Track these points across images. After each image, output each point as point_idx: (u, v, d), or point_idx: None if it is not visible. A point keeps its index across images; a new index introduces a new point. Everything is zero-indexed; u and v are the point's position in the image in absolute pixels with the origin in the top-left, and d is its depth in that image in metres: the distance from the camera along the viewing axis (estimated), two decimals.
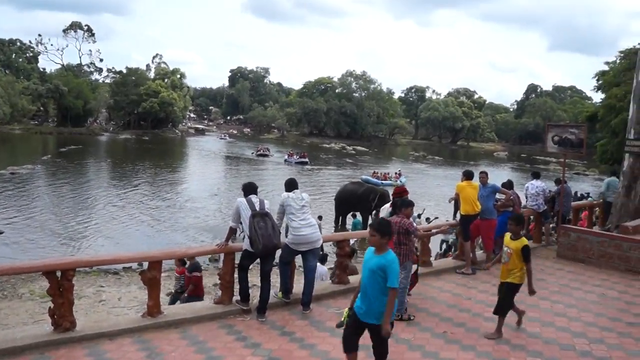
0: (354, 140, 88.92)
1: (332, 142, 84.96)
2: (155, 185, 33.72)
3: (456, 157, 77.33)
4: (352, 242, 10.59)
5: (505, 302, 5.48)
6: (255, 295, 6.21)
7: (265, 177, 39.26)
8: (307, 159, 52.56)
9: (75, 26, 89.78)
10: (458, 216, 9.18)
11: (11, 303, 11.72)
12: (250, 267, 6.14)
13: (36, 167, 37.81)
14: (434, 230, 8.28)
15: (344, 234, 10.96)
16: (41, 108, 78.48)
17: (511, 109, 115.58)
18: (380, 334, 3.97)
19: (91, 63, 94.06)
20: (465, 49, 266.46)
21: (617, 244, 8.67)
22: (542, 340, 5.46)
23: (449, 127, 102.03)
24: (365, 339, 4.15)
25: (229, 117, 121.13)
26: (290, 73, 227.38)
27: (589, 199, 21.01)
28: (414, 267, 6.46)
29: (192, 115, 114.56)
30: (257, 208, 5.82)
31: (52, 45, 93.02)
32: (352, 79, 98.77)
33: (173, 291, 10.36)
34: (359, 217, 20.71)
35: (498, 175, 33.23)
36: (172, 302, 9.64)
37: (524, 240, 5.43)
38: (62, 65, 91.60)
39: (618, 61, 25.66)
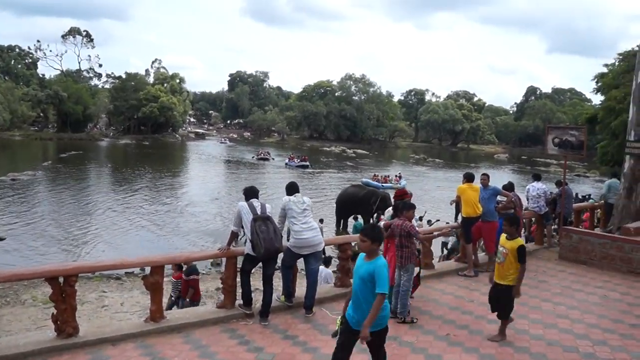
0: (354, 143, 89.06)
1: (332, 145, 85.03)
2: (155, 190, 33.74)
3: (456, 160, 77.41)
4: (354, 244, 10.58)
5: (507, 305, 5.46)
6: (257, 299, 6.21)
7: (266, 181, 39.29)
8: (308, 163, 52.68)
9: (74, 32, 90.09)
10: (459, 218, 9.18)
11: (14, 309, 11.73)
12: (253, 271, 6.14)
13: (37, 173, 37.85)
14: (435, 233, 8.30)
15: (346, 237, 10.95)
16: (41, 114, 78.57)
17: (511, 111, 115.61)
18: (374, 341, 3.90)
19: (90, 68, 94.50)
20: (464, 52, 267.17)
21: (619, 245, 8.67)
22: (545, 342, 5.45)
23: (448, 130, 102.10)
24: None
25: (228, 121, 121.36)
26: (290, 77, 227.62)
27: (590, 200, 21.03)
28: (416, 269, 6.46)
29: (192, 119, 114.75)
30: (259, 212, 5.84)
31: (51, 51, 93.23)
32: (352, 82, 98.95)
33: (174, 298, 10.28)
34: (360, 220, 20.73)
35: (499, 178, 33.25)
36: (169, 307, 9.58)
37: (520, 241, 5.42)
38: (62, 71, 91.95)
39: (617, 63, 25.66)
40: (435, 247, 12.20)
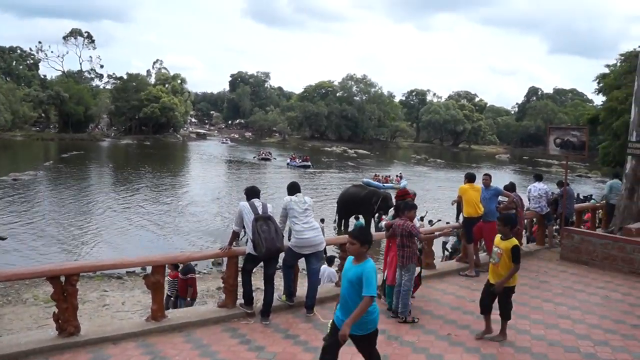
0: (355, 143, 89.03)
1: (333, 145, 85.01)
2: (156, 190, 33.76)
3: (458, 160, 77.34)
4: None
5: (507, 305, 5.44)
6: (259, 298, 6.22)
7: (268, 181, 39.30)
8: (309, 163, 52.71)
9: (75, 33, 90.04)
10: (461, 218, 9.17)
11: (15, 308, 11.74)
12: (254, 270, 6.14)
13: (38, 173, 37.87)
14: (436, 233, 8.29)
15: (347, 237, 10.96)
16: (42, 114, 78.60)
17: (512, 112, 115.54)
18: (365, 345, 3.87)
19: (92, 69, 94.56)
20: (465, 53, 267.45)
21: (620, 246, 8.66)
22: (546, 342, 5.45)
23: (450, 130, 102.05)
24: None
25: (230, 122, 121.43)
26: (291, 77, 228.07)
27: (592, 201, 20.98)
28: (417, 269, 6.46)
29: (193, 120, 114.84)
30: (260, 212, 5.84)
31: (52, 52, 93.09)
32: (353, 83, 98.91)
33: (172, 297, 10.25)
34: (361, 219, 20.74)
35: (500, 178, 33.16)
36: (166, 306, 9.55)
37: (514, 241, 5.38)
38: (63, 71, 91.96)
39: (618, 64, 25.68)
40: (436, 247, 12.20)
